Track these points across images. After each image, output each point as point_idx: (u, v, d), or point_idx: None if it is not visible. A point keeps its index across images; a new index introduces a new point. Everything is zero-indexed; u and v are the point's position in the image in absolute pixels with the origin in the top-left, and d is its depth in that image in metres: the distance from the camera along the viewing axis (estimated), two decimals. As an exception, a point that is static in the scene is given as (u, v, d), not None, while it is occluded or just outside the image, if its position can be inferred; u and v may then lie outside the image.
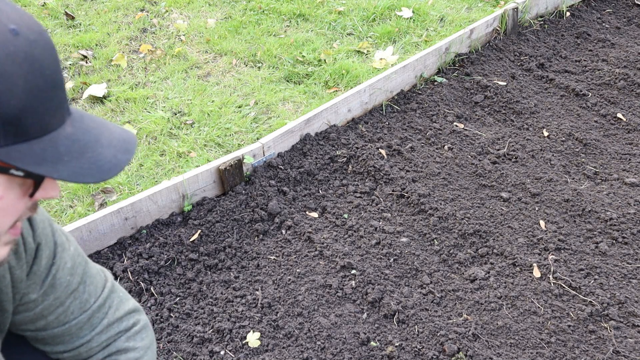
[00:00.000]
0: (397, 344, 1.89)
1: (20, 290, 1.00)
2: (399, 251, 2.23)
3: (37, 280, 1.02)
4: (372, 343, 1.90)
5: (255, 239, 2.29)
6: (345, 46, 3.56)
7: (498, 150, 2.78)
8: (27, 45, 0.72)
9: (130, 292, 2.03)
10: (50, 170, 0.72)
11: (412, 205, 2.45)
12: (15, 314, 1.04)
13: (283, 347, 1.89)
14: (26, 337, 1.10)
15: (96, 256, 2.13)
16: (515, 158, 2.74)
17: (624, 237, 2.29)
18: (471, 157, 2.72)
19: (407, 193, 2.48)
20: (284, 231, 2.31)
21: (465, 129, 2.91)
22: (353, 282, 2.08)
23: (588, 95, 3.16)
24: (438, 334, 1.90)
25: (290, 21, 3.86)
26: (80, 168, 0.75)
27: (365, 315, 2.00)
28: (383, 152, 2.70)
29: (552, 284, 2.10)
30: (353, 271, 2.13)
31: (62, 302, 1.06)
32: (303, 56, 3.43)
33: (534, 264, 2.17)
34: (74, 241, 1.12)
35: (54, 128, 0.75)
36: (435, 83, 3.21)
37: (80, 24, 3.80)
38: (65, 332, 1.09)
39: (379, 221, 2.37)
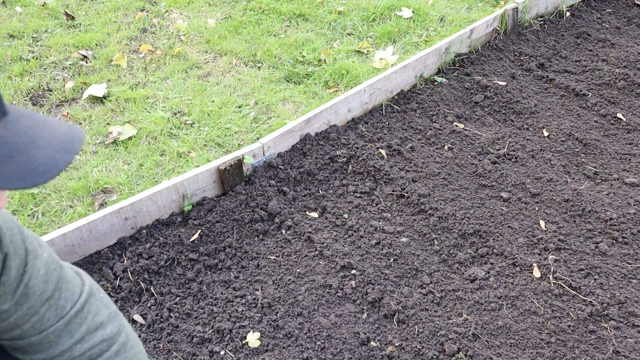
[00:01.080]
0: (397, 344, 1.89)
1: None
2: (399, 251, 2.23)
3: (7, 290, 0.97)
4: (372, 343, 1.90)
5: (255, 239, 2.29)
6: (345, 46, 3.56)
7: (498, 150, 2.78)
8: None
9: (130, 292, 2.03)
10: None
11: (412, 205, 2.45)
12: None
13: (283, 347, 1.89)
14: (3, 346, 1.06)
15: (96, 256, 2.13)
16: (515, 158, 2.74)
17: (624, 237, 2.29)
18: (471, 157, 2.72)
19: (407, 193, 2.48)
20: (284, 231, 2.31)
21: (465, 129, 2.91)
22: (353, 282, 2.08)
23: (588, 95, 3.16)
24: (438, 334, 1.91)
25: (290, 21, 3.86)
26: (8, 173, 0.69)
27: (365, 315, 2.00)
28: (383, 152, 2.70)
29: (552, 284, 2.10)
30: (353, 271, 2.13)
31: (36, 310, 1.02)
32: (303, 56, 3.43)
33: (534, 264, 2.17)
34: (47, 246, 1.08)
35: None
36: (435, 83, 3.21)
37: (80, 24, 3.80)
38: (43, 340, 1.05)
39: (379, 221, 2.37)
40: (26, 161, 0.71)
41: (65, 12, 3.89)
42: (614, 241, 2.28)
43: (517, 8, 3.58)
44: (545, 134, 2.89)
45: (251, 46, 3.56)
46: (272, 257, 2.21)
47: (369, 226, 2.34)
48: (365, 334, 1.92)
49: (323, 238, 2.27)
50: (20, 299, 0.99)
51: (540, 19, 3.81)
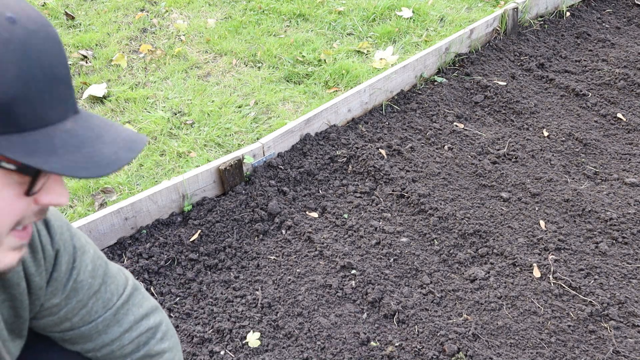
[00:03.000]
0: (397, 344, 1.89)
1: (41, 297, 0.99)
2: (399, 251, 2.23)
3: (58, 286, 1.01)
4: (372, 343, 1.90)
5: (255, 239, 2.29)
6: (345, 46, 3.56)
7: (498, 150, 2.78)
8: (25, 34, 0.70)
9: (130, 292, 2.03)
10: (41, 162, 0.69)
11: (412, 205, 2.45)
12: (39, 319, 1.04)
13: (283, 347, 1.89)
14: (54, 338, 1.09)
15: (96, 256, 2.13)
16: (515, 158, 2.74)
17: (624, 237, 2.29)
18: (471, 157, 2.72)
19: (407, 193, 2.48)
20: (284, 231, 2.31)
21: (465, 129, 2.91)
22: (353, 282, 2.08)
23: (588, 95, 3.16)
24: (438, 334, 1.90)
25: (290, 21, 3.86)
26: (75, 162, 0.72)
27: (365, 315, 2.00)
28: (383, 152, 2.70)
29: (552, 284, 2.10)
30: (353, 271, 2.13)
31: (84, 304, 1.06)
32: (303, 56, 3.43)
33: (534, 264, 2.17)
34: (93, 243, 1.12)
35: (52, 122, 0.73)
36: (435, 83, 3.21)
37: (80, 24, 3.80)
38: (93, 330, 1.09)
39: (379, 221, 2.37)
40: (92, 153, 0.74)
41: (65, 12, 3.89)
42: (614, 241, 2.28)
43: (517, 8, 3.58)
44: (545, 134, 2.89)
45: (251, 46, 3.56)
46: (272, 257, 2.21)
47: (369, 226, 2.34)
48: (365, 334, 1.92)
49: (323, 238, 2.27)
50: (70, 294, 1.03)
51: (540, 19, 3.81)
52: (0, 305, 0.95)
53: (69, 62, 3.41)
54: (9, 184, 0.73)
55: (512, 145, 2.81)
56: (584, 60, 3.46)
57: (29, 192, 0.75)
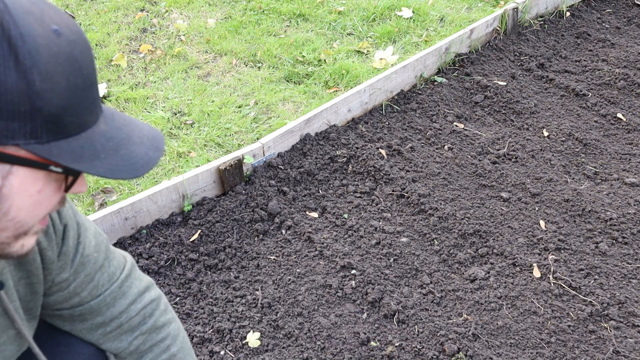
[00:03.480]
0: (397, 344, 1.89)
1: (52, 272, 1.03)
2: (399, 251, 2.23)
3: (67, 260, 1.05)
4: (372, 343, 1.90)
5: (255, 239, 2.29)
6: (345, 46, 3.56)
7: (498, 150, 2.78)
8: (68, 46, 0.73)
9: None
10: (88, 167, 0.74)
11: (412, 205, 2.45)
12: (50, 295, 1.07)
13: (283, 347, 1.89)
14: (64, 317, 1.12)
15: (96, 256, 2.13)
16: (515, 158, 2.74)
17: (624, 237, 2.29)
18: (471, 157, 2.72)
19: (407, 193, 2.48)
20: (284, 231, 2.31)
21: (465, 129, 2.91)
22: (353, 282, 2.08)
23: (588, 95, 3.16)
24: (438, 334, 1.90)
25: (290, 21, 3.86)
26: (116, 165, 0.77)
27: (365, 315, 2.00)
28: (383, 152, 2.70)
29: (552, 284, 2.10)
30: (353, 271, 2.13)
31: (92, 278, 1.10)
32: (303, 56, 3.43)
33: (534, 264, 2.17)
34: (92, 222, 1.16)
35: (89, 126, 0.78)
36: (435, 83, 3.21)
37: (80, 24, 3.80)
38: (101, 303, 1.12)
39: (379, 221, 2.37)
40: (128, 155, 0.80)
41: (65, 12, 3.88)
42: (614, 241, 2.28)
43: (517, 8, 3.58)
44: (545, 134, 2.89)
45: (251, 46, 3.56)
46: (272, 257, 2.21)
47: (369, 226, 2.34)
48: (365, 334, 1.92)
49: (323, 238, 2.27)
50: (77, 268, 1.07)
51: (540, 19, 3.81)
52: (17, 284, 0.98)
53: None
54: (50, 182, 0.78)
55: (512, 145, 2.81)
56: (584, 60, 3.46)
57: (67, 189, 0.81)
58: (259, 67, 3.37)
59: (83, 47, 0.76)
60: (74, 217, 1.07)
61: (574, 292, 2.07)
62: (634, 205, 2.43)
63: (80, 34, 0.77)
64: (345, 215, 2.39)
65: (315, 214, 2.40)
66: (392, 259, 2.20)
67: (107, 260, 1.14)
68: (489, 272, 2.15)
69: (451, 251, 2.25)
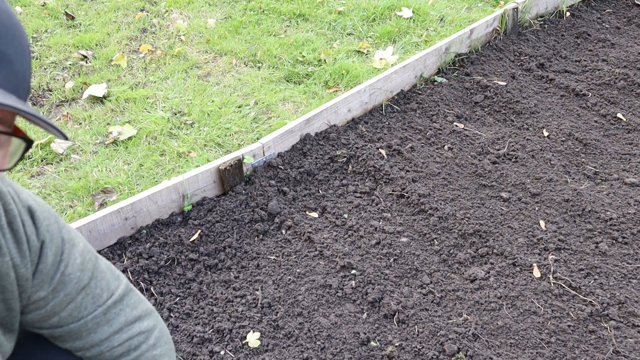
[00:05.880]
0: (397, 344, 1.89)
1: (27, 289, 0.99)
2: (399, 251, 2.23)
3: (44, 278, 1.00)
4: (372, 343, 1.90)
5: (255, 239, 2.29)
6: (345, 46, 3.56)
7: (498, 150, 2.78)
8: None
9: (130, 292, 2.03)
10: None
11: (412, 205, 2.45)
12: (27, 313, 1.03)
13: (283, 347, 1.89)
14: (45, 336, 1.09)
15: (96, 256, 2.13)
16: (515, 158, 2.74)
17: (624, 237, 2.29)
18: (471, 157, 2.72)
19: (407, 193, 2.48)
20: (284, 231, 2.31)
21: (465, 129, 2.91)
22: (353, 282, 2.08)
23: (588, 95, 3.16)
24: (438, 334, 1.91)
25: (290, 21, 3.86)
26: None
27: (365, 315, 2.00)
28: (383, 152, 2.70)
29: (552, 284, 2.10)
30: (353, 271, 2.13)
31: (73, 298, 1.04)
32: (303, 56, 3.43)
33: (534, 264, 2.17)
34: (83, 238, 1.11)
35: None
36: (435, 83, 3.21)
37: (80, 24, 3.80)
38: (82, 328, 1.07)
39: (379, 221, 2.37)
40: None
41: (65, 12, 3.89)
42: (614, 241, 2.28)
43: (517, 8, 3.58)
44: (545, 134, 2.89)
45: (251, 46, 3.56)
46: (272, 257, 2.21)
47: (369, 226, 2.34)
48: (365, 334, 1.92)
49: (323, 238, 2.27)
50: (57, 286, 1.02)
51: (540, 19, 3.81)
52: None
53: (69, 63, 3.42)
54: None
55: (512, 145, 2.81)
56: (584, 60, 3.46)
57: None
58: (259, 67, 3.37)
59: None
60: (58, 232, 1.02)
61: (574, 292, 2.07)
62: (634, 205, 2.43)
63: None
64: (345, 215, 2.39)
65: (315, 214, 2.40)
66: (392, 259, 2.20)
67: (94, 280, 1.07)
68: (489, 272, 2.15)
69: (451, 251, 2.25)
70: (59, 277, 1.02)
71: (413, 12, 3.90)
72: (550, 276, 2.12)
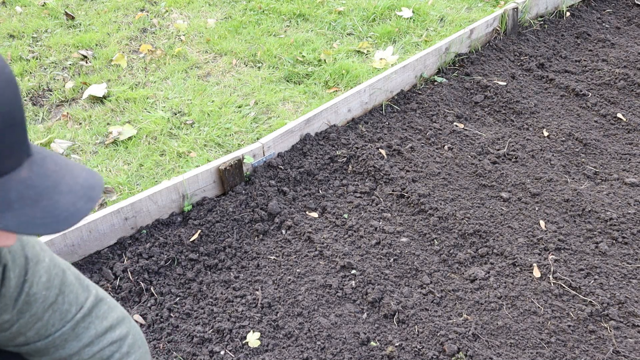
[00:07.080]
0: (397, 344, 1.89)
1: None
2: (399, 251, 2.23)
3: (7, 302, 0.96)
4: (372, 343, 1.90)
5: (255, 239, 2.29)
6: (345, 46, 3.56)
7: (498, 150, 2.78)
8: None
9: (130, 292, 2.03)
10: None
11: (412, 205, 2.45)
12: None
13: (283, 347, 1.89)
14: (12, 352, 1.06)
15: (96, 256, 2.13)
16: (515, 158, 2.74)
17: (624, 237, 2.29)
18: (471, 157, 2.72)
19: (407, 193, 2.48)
20: (284, 231, 2.31)
21: (465, 129, 2.91)
22: (353, 282, 2.08)
23: (588, 95, 3.16)
24: (438, 334, 1.91)
25: (290, 21, 3.86)
26: (32, 217, 0.68)
27: (365, 315, 2.00)
28: (383, 152, 2.70)
29: (552, 284, 2.10)
30: (353, 271, 2.13)
31: (39, 317, 1.01)
32: (303, 56, 3.43)
33: (534, 264, 2.17)
34: (49, 250, 1.06)
35: (6, 171, 0.68)
36: (435, 83, 3.21)
37: (80, 24, 3.80)
38: (49, 345, 1.03)
39: (379, 221, 2.37)
40: (50, 206, 0.70)
41: (65, 12, 3.89)
42: (614, 241, 2.28)
43: (517, 8, 3.58)
44: (545, 134, 2.89)
45: (251, 46, 3.56)
46: (272, 257, 2.21)
47: (369, 226, 2.34)
48: (365, 334, 1.92)
49: (323, 238, 2.27)
50: (22, 307, 0.98)
51: (540, 19, 3.81)
52: None
53: (69, 63, 3.42)
54: None
55: (512, 145, 2.81)
56: (584, 60, 3.46)
57: None
58: (259, 67, 3.37)
59: (4, 82, 0.68)
60: (21, 251, 0.97)
61: (574, 292, 2.07)
62: (634, 205, 2.43)
63: (3, 67, 0.69)
64: (345, 215, 2.39)
65: (315, 214, 2.40)
66: (392, 259, 2.20)
67: (61, 296, 1.03)
68: (489, 272, 2.15)
69: (451, 251, 2.25)
70: (24, 297, 0.97)
71: (413, 12, 3.90)
72: (550, 276, 2.12)
